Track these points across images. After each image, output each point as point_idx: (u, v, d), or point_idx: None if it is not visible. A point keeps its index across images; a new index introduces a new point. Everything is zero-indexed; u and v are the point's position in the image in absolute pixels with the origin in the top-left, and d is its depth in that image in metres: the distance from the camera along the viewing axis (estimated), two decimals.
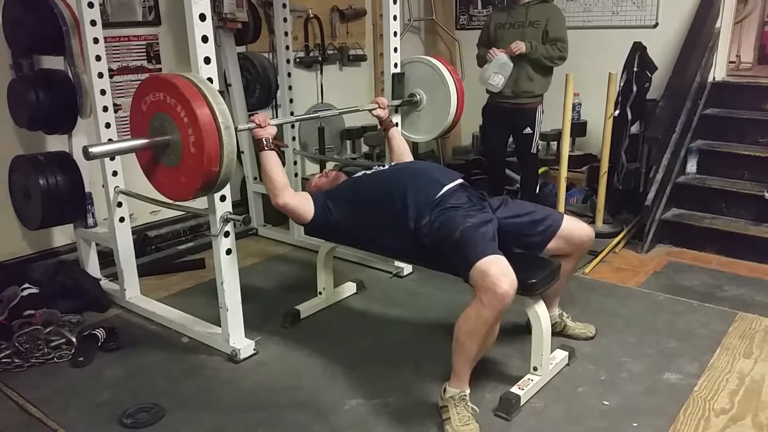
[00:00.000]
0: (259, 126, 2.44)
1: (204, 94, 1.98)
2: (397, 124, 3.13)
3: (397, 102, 3.22)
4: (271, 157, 2.44)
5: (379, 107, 3.03)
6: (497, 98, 3.92)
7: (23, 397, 2.41)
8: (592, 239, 2.50)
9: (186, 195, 2.13)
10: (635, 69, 4.11)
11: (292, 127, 4.02)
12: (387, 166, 2.69)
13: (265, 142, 2.43)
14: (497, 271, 2.02)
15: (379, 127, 3.14)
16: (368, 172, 2.63)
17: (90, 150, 1.98)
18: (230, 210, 2.50)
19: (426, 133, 3.34)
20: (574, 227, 2.45)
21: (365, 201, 2.45)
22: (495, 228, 2.27)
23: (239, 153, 3.71)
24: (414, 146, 5.16)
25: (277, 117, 4.45)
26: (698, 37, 4.13)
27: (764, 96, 4.19)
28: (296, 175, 4.02)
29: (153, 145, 2.10)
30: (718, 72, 4.43)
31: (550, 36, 3.78)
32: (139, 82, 3.79)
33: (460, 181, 2.45)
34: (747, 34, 5.30)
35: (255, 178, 4.14)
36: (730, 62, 4.68)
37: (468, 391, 2.16)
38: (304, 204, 2.47)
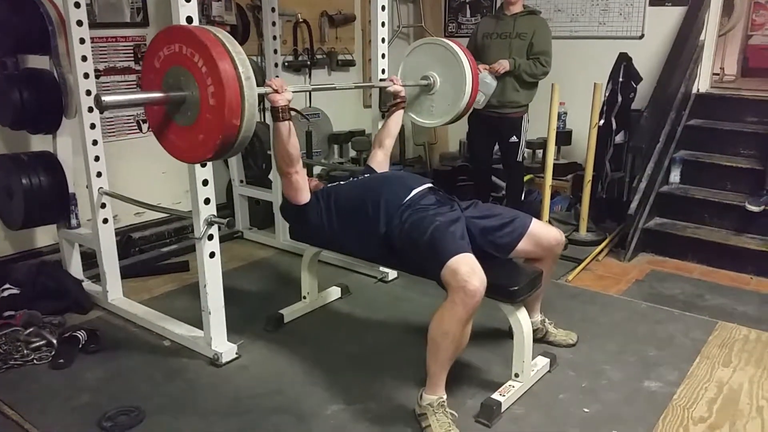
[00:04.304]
0: (276, 91, 2.26)
1: (223, 43, 1.89)
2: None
3: (384, 108, 3.22)
4: (287, 127, 2.31)
5: (394, 83, 2.95)
6: (483, 108, 3.95)
7: (1, 399, 2.37)
8: (562, 243, 2.53)
9: (204, 154, 1.99)
10: (620, 79, 4.15)
11: None
12: (360, 177, 2.72)
13: (281, 110, 2.28)
14: (467, 269, 2.05)
15: (386, 105, 3.06)
16: (342, 182, 2.65)
17: (103, 99, 1.85)
18: (214, 213, 2.50)
19: (440, 117, 3.15)
20: (542, 230, 2.49)
21: (340, 208, 2.48)
22: (464, 226, 2.31)
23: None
24: (401, 150, 5.20)
25: (264, 120, 4.45)
26: (683, 49, 4.18)
27: (747, 108, 4.24)
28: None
29: (168, 99, 1.97)
30: (702, 84, 4.48)
31: (535, 49, 3.82)
32: (126, 82, 3.85)
33: (429, 185, 2.51)
34: (731, 47, 5.37)
35: (241, 181, 4.13)
36: (714, 74, 4.74)
37: (445, 397, 2.17)
38: (307, 184, 2.49)
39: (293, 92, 2.33)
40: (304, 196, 2.49)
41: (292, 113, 2.32)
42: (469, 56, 3.03)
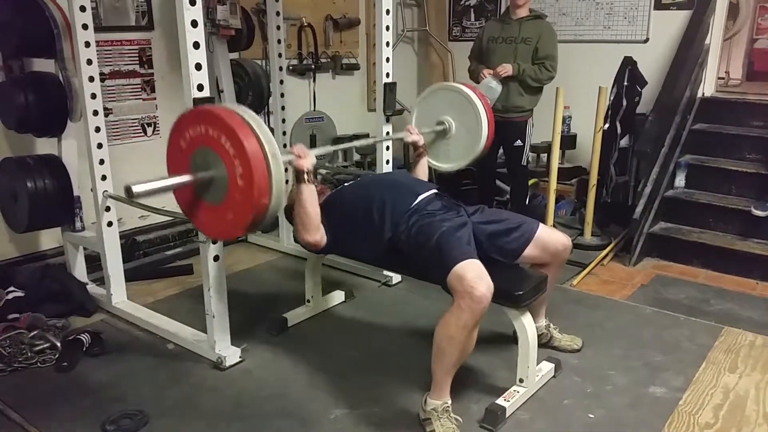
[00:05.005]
0: (299, 156, 2.25)
1: (248, 123, 1.88)
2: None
3: (389, 112, 3.23)
4: (311, 191, 2.28)
5: (411, 133, 2.90)
6: None
7: (4, 402, 2.38)
8: (569, 248, 2.51)
9: (235, 232, 2.00)
10: (625, 83, 4.14)
11: (284, 134, 4.02)
12: (364, 179, 2.70)
13: (306, 175, 2.26)
14: (474, 275, 2.04)
15: (412, 152, 3.03)
16: (346, 185, 2.64)
17: (134, 189, 1.84)
18: None
19: (457, 161, 3.11)
20: (549, 235, 2.47)
21: (345, 213, 2.47)
22: (470, 231, 2.30)
23: None
24: (405, 154, 5.20)
25: (268, 122, 4.46)
26: (688, 53, 4.17)
27: (752, 112, 4.23)
28: (287, 181, 4.00)
29: (197, 181, 1.96)
30: (707, 88, 4.47)
31: (540, 54, 3.81)
32: (131, 86, 3.85)
33: (434, 190, 2.50)
34: (736, 51, 5.35)
35: None
36: (719, 78, 4.72)
37: (450, 402, 2.16)
38: (324, 235, 2.40)
39: (317, 156, 2.32)
40: (324, 243, 2.41)
41: (318, 177, 2.27)
42: (483, 98, 3.01)
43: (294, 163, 2.25)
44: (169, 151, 2.06)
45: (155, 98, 3.95)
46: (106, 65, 3.64)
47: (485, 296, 2.01)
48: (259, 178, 1.83)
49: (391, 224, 2.34)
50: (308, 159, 2.27)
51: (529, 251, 2.42)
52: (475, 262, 2.11)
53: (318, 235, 2.36)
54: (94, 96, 2.90)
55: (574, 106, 4.53)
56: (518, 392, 2.34)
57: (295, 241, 2.76)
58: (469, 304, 2.01)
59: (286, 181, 2.02)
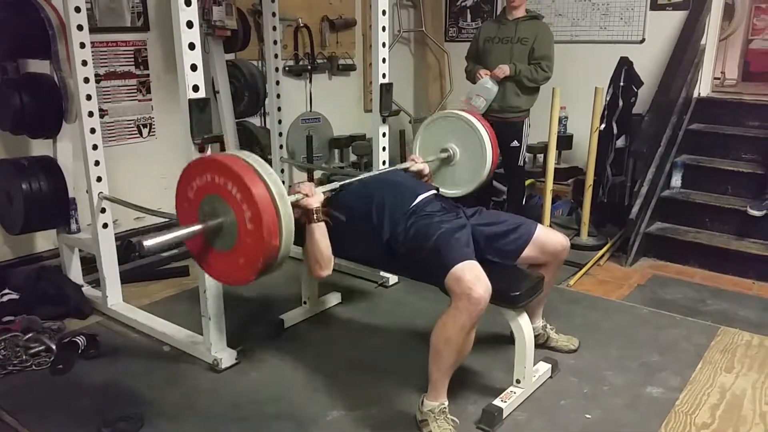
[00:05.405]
0: (307, 195, 2.23)
1: (254, 168, 1.90)
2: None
3: (385, 113, 3.22)
4: (321, 229, 2.25)
5: (416, 162, 2.88)
6: (485, 113, 3.94)
7: None
8: (567, 249, 2.51)
9: (248, 276, 1.99)
10: (621, 84, 4.14)
11: (280, 135, 4.01)
12: (362, 177, 2.69)
13: (315, 213, 2.23)
14: (472, 276, 2.04)
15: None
16: (343, 188, 2.61)
17: (146, 244, 1.85)
18: None
19: (463, 186, 3.08)
20: (547, 236, 2.47)
21: (345, 213, 2.44)
22: (469, 233, 2.29)
23: None
24: (402, 154, 5.20)
25: (264, 124, 4.46)
26: (684, 54, 4.18)
27: (748, 112, 4.24)
28: (283, 182, 4.00)
29: (207, 229, 1.97)
30: (703, 88, 4.48)
31: (536, 54, 3.81)
32: (126, 87, 3.84)
33: (434, 191, 2.51)
34: (732, 51, 5.38)
35: None
36: (715, 78, 4.74)
37: (446, 403, 2.16)
38: (331, 261, 2.36)
39: (323, 192, 2.31)
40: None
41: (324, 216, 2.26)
42: (485, 123, 3.01)
43: (302, 203, 2.23)
44: (177, 202, 2.08)
45: (151, 99, 3.94)
46: (102, 66, 3.63)
47: (483, 298, 2.01)
48: (268, 219, 1.84)
49: (390, 225, 2.33)
50: (316, 197, 2.25)
51: (528, 252, 2.42)
52: (473, 263, 2.11)
53: (330, 268, 2.33)
54: (89, 97, 2.89)
55: (571, 106, 4.54)
56: (515, 393, 2.34)
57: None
58: (467, 305, 2.01)
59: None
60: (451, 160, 3.06)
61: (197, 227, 1.96)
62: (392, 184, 2.54)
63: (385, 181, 2.63)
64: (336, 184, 2.60)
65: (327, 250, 2.28)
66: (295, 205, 2.14)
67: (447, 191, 3.11)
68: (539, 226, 2.48)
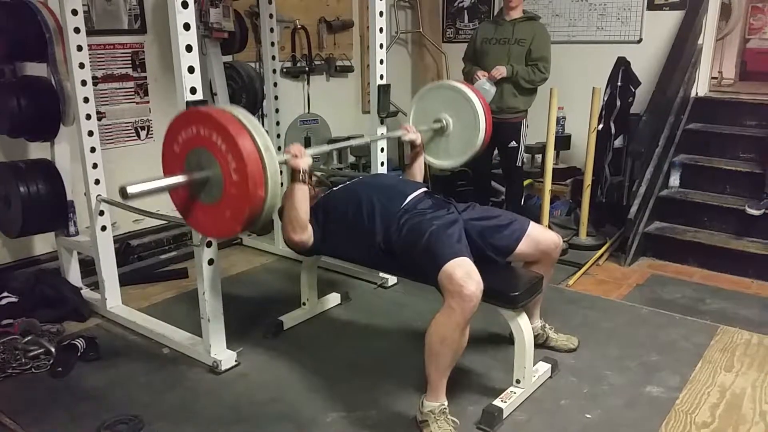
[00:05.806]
0: (295, 156, 2.28)
1: (238, 119, 1.92)
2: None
3: (383, 114, 3.22)
4: (303, 190, 2.31)
5: (409, 131, 2.91)
6: None
7: None
8: (560, 246, 2.52)
9: (233, 228, 2.01)
10: (619, 84, 4.15)
11: (278, 136, 4.01)
12: (353, 180, 2.70)
13: (301, 174, 2.28)
14: (462, 273, 2.04)
15: (408, 150, 3.04)
16: (334, 189, 2.63)
17: (128, 190, 1.87)
18: None
19: (457, 158, 3.10)
20: (540, 232, 2.49)
21: (336, 219, 2.46)
22: (461, 228, 2.29)
23: None
24: (400, 155, 5.21)
25: (262, 125, 4.44)
26: (681, 53, 4.19)
27: (746, 111, 4.24)
28: (282, 184, 3.99)
29: (192, 181, 2.00)
30: (701, 88, 4.49)
31: (533, 55, 3.82)
32: (123, 89, 3.84)
33: (423, 189, 2.52)
34: (729, 51, 5.39)
35: None
36: (713, 78, 4.75)
37: (446, 404, 2.16)
38: (311, 236, 2.43)
39: (312, 155, 2.33)
40: (310, 243, 2.43)
41: (314, 179, 2.31)
42: (478, 93, 3.01)
43: (290, 162, 2.28)
44: (163, 157, 2.09)
45: (148, 101, 3.94)
46: (99, 69, 3.63)
47: (474, 294, 2.01)
48: (253, 169, 1.86)
49: (382, 226, 2.34)
50: (304, 159, 2.29)
51: (522, 248, 2.42)
52: (465, 260, 2.10)
53: (305, 234, 2.38)
54: (86, 100, 2.88)
55: (569, 106, 4.54)
56: (515, 393, 2.34)
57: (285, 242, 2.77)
58: (459, 302, 2.01)
59: (282, 184, 2.03)
60: (445, 130, 3.06)
61: (182, 178, 1.99)
62: (380, 186, 2.55)
63: (372, 183, 2.65)
64: (326, 147, 2.65)
65: (304, 216, 2.33)
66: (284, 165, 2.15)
67: (440, 162, 3.16)
68: (532, 223, 2.49)
